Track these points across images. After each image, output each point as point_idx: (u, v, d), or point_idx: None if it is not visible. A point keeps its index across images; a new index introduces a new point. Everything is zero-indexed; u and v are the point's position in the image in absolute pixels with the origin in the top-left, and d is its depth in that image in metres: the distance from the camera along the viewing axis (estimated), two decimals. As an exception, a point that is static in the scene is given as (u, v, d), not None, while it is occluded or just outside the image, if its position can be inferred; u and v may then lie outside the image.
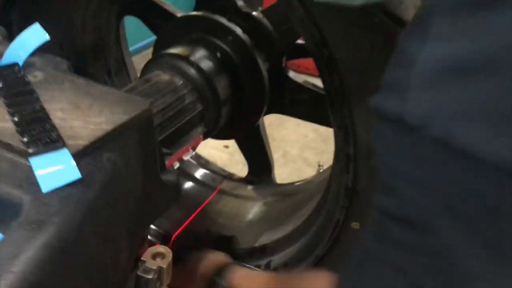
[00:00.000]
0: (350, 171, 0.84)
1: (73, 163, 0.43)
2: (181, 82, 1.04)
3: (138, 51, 2.26)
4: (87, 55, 1.34)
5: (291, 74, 1.17)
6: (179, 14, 1.23)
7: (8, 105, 0.49)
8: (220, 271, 0.92)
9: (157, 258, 0.52)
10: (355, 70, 0.76)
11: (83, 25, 1.30)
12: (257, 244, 1.17)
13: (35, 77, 0.56)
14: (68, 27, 1.27)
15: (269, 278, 0.86)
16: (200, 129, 1.06)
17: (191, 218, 1.33)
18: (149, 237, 1.26)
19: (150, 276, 0.50)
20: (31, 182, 0.42)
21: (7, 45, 0.65)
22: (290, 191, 1.37)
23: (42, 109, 0.49)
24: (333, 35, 0.75)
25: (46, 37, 0.64)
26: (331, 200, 0.93)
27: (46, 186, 0.42)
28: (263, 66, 1.12)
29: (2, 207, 0.42)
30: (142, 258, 0.51)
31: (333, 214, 0.92)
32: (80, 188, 0.42)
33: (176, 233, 1.29)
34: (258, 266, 1.12)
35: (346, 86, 0.78)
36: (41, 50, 1.24)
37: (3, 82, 0.53)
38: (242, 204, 1.36)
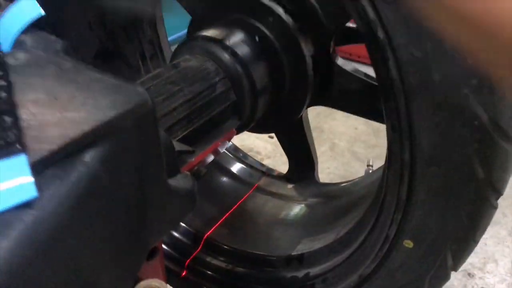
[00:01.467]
0: (405, 180, 0.70)
1: (30, 175, 0.32)
2: (213, 68, 0.93)
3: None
4: (118, 36, 1.25)
5: (340, 61, 1.03)
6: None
7: (-31, 94, 0.39)
8: None
9: (148, 295, 0.41)
10: (417, 57, 0.61)
11: (113, 2, 1.21)
12: (294, 252, 1.05)
13: (16, 59, 0.46)
14: (98, 4, 1.18)
15: None
16: (233, 123, 0.95)
17: (224, 217, 1.23)
18: (177, 235, 1.17)
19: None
20: (-29, 199, 0.31)
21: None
22: (334, 192, 1.23)
23: (8, 100, 0.38)
24: (391, 12, 0.60)
25: (39, 11, 0.53)
26: (380, 212, 0.78)
27: (-10, 206, 0.31)
28: (307, 52, 0.99)
29: None
30: (130, 295, 0.40)
31: (383, 228, 0.78)
32: (36, 212, 0.31)
33: (208, 233, 1.19)
34: (295, 278, 1.00)
35: (405, 77, 0.63)
36: (66, 28, 1.16)
37: (-26, 64, 0.43)
38: (281, 205, 1.24)
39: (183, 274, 1.14)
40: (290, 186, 1.30)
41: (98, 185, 0.37)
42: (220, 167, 1.33)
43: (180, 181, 0.55)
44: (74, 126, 0.37)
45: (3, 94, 0.38)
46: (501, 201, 2.35)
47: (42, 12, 0.55)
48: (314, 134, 2.41)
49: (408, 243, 0.75)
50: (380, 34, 0.62)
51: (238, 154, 1.41)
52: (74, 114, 0.38)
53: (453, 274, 2.27)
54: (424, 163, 0.68)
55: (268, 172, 1.35)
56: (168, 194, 0.51)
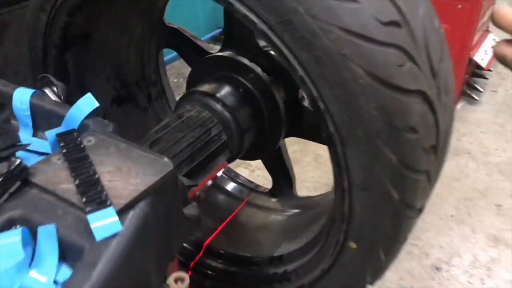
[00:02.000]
0: (346, 201, 1.00)
1: (117, 218, 0.61)
2: (208, 116, 1.22)
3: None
4: (130, 85, 1.54)
5: (306, 103, 1.33)
6: (210, 50, 1.41)
7: (71, 169, 0.68)
8: None
9: (178, 281, 0.70)
10: (346, 120, 0.91)
11: (127, 59, 1.50)
12: (276, 254, 1.34)
13: (89, 141, 0.75)
14: (114, 62, 1.47)
15: None
16: (224, 157, 1.24)
17: (220, 227, 1.52)
18: (184, 244, 1.46)
19: (172, 296, 0.68)
20: (89, 232, 0.60)
21: (66, 108, 0.84)
22: (308, 204, 1.53)
23: (95, 173, 0.68)
24: (327, 92, 0.90)
25: (96, 104, 0.82)
26: (333, 222, 1.08)
27: (98, 236, 0.60)
28: (280, 99, 1.29)
29: (69, 247, 0.61)
30: (166, 282, 0.69)
31: (335, 234, 1.08)
32: (120, 237, 0.61)
33: (208, 241, 1.48)
34: (275, 274, 1.29)
35: (339, 132, 0.93)
36: (89, 81, 1.43)
37: (66, 147, 0.72)
38: (266, 216, 1.53)
39: (189, 274, 1.43)
40: (273, 200, 1.59)
41: (148, 220, 0.66)
42: (216, 186, 1.63)
43: (191, 210, 0.84)
44: (134, 188, 0.66)
45: (93, 169, 0.68)
46: (467, 202, 2.77)
47: (97, 104, 0.84)
48: (300, 146, 2.80)
49: (353, 245, 1.05)
50: (321, 105, 0.92)
51: (231, 174, 1.71)
52: (133, 180, 0.68)
53: (422, 268, 2.65)
54: (357, 189, 0.97)
55: (255, 189, 1.65)
56: (183, 220, 0.80)
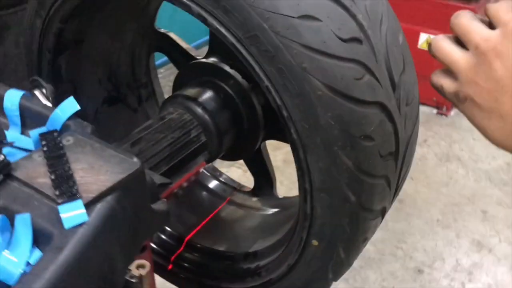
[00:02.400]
0: (308, 201, 1.08)
1: (84, 210, 0.70)
2: (189, 119, 1.31)
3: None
4: (121, 87, 1.63)
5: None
6: (197, 56, 1.49)
7: (48, 166, 0.77)
8: None
9: (139, 268, 0.78)
10: (306, 128, 1.00)
11: (118, 62, 1.60)
12: (251, 250, 1.43)
13: (68, 141, 0.84)
14: (106, 66, 1.56)
15: None
16: (203, 157, 1.33)
17: (202, 224, 1.60)
18: (165, 238, 1.55)
19: (134, 280, 0.76)
20: (59, 221, 0.69)
21: (50, 110, 0.93)
22: (286, 204, 1.61)
23: (69, 170, 0.76)
24: (289, 101, 0.99)
25: (77, 107, 0.91)
26: (297, 221, 1.17)
27: (67, 224, 0.69)
28: (258, 105, 1.37)
29: (41, 235, 0.70)
30: (129, 268, 0.78)
31: (299, 232, 1.16)
32: (87, 226, 0.70)
33: (189, 236, 1.57)
34: (248, 269, 1.38)
35: (301, 139, 1.02)
36: (81, 83, 1.51)
37: (46, 146, 0.81)
38: (246, 214, 1.62)
39: (169, 267, 1.52)
40: (254, 199, 1.68)
41: (114, 213, 0.75)
42: (200, 183, 1.71)
43: (160, 205, 0.93)
44: (102, 184, 0.75)
45: (68, 166, 0.77)
46: (453, 208, 2.90)
47: (78, 107, 0.93)
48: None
49: (315, 242, 1.14)
50: (285, 113, 1.00)
51: (216, 173, 1.79)
52: (102, 177, 0.77)
53: (405, 270, 2.77)
54: (317, 191, 1.06)
55: (238, 188, 1.74)
56: (151, 214, 0.89)
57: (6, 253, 0.66)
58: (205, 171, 1.74)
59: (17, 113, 0.96)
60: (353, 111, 0.98)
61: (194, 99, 1.33)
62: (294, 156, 1.08)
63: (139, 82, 1.67)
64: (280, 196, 1.69)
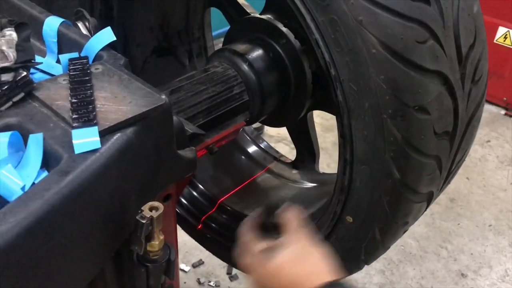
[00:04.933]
0: (346, 173, 0.99)
1: (98, 137, 0.65)
2: (233, 74, 1.24)
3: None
4: (173, 38, 1.59)
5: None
6: (252, 13, 1.42)
7: (71, 89, 0.73)
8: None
9: (152, 210, 0.73)
10: (354, 90, 0.90)
11: (172, 12, 1.55)
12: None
13: (96, 69, 0.80)
14: (159, 13, 1.52)
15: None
16: (243, 117, 1.26)
17: (237, 189, 1.55)
18: (196, 195, 1.51)
19: (144, 221, 0.71)
20: (70, 145, 0.65)
21: (86, 38, 0.89)
22: (327, 180, 1.52)
23: (91, 96, 0.72)
24: (338, 58, 0.90)
25: (113, 37, 0.87)
26: (333, 194, 1.08)
27: (78, 149, 0.64)
28: (308, 69, 1.28)
29: (52, 157, 0.66)
30: (141, 208, 0.73)
31: (333, 206, 1.08)
32: (99, 154, 0.65)
33: (222, 199, 1.52)
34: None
35: (347, 102, 0.93)
36: (132, 29, 1.48)
37: (73, 71, 0.77)
38: (283, 184, 1.55)
39: (199, 227, 1.47)
40: (294, 171, 1.60)
41: (131, 147, 0.69)
42: (240, 148, 1.65)
43: (187, 153, 0.87)
44: (123, 114, 0.70)
45: (90, 92, 0.72)
46: (509, 214, 2.69)
47: (114, 38, 0.88)
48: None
49: (349, 219, 1.05)
50: (333, 71, 0.91)
51: (258, 140, 1.72)
52: (124, 107, 0.71)
53: (446, 272, 2.60)
54: (359, 162, 0.97)
55: (279, 158, 1.66)
56: (176, 159, 0.84)
57: (9, 169, 0.62)
58: (246, 136, 1.68)
59: (55, 39, 0.93)
60: (409, 77, 0.88)
61: (241, 55, 1.26)
62: (337, 122, 0.99)
63: (191, 36, 1.62)
64: (321, 172, 1.60)
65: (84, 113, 0.68)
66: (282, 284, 0.78)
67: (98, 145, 0.66)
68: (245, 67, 1.25)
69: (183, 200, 1.48)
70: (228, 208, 1.44)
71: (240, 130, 1.38)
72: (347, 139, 0.96)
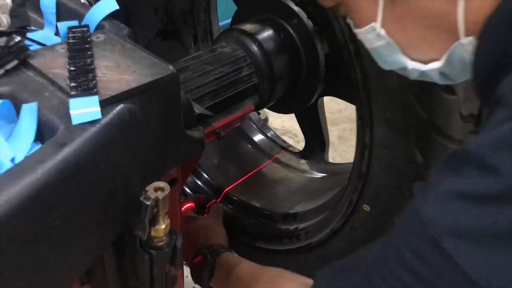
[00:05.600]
0: (365, 157, 0.93)
1: (98, 108, 0.58)
2: (242, 55, 1.17)
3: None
4: (178, 21, 1.52)
5: (350, 61, 1.25)
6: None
7: (69, 57, 0.66)
8: (214, 248, 1.07)
9: (158, 191, 0.67)
10: (376, 68, 0.83)
11: (177, -8, 1.48)
12: (291, 211, 1.29)
13: (98, 38, 0.73)
14: (164, -6, 1.45)
15: (252, 269, 0.94)
16: (252, 100, 1.19)
17: (243, 179, 1.48)
18: (200, 184, 1.44)
19: (148, 203, 0.64)
20: (67, 115, 0.58)
21: (87, 8, 0.82)
22: (337, 170, 1.45)
23: (92, 64, 0.65)
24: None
25: (116, 6, 0.80)
26: (349, 180, 1.01)
27: (76, 120, 0.57)
28: (321, 51, 1.21)
29: (47, 128, 0.59)
30: (146, 189, 0.66)
31: (349, 193, 1.01)
32: (99, 126, 0.58)
33: (227, 189, 1.45)
34: (287, 230, 1.24)
35: (368, 79, 0.86)
36: (136, 11, 1.42)
37: (72, 39, 0.70)
38: (290, 175, 1.48)
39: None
40: (302, 161, 1.53)
41: (136, 120, 0.63)
42: (246, 136, 1.58)
43: (194, 132, 0.81)
44: (126, 84, 0.63)
45: (91, 60, 0.65)
46: None
47: (117, 7, 0.81)
48: (351, 125, 2.66)
49: (366, 207, 0.98)
50: (351, 46, 0.84)
51: (266, 129, 1.66)
52: (127, 76, 0.64)
53: None
54: (378, 146, 0.90)
55: (286, 148, 1.59)
56: (182, 138, 0.77)
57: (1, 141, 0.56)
58: (252, 124, 1.61)
59: (54, 10, 0.85)
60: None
61: (251, 35, 1.19)
62: (356, 102, 0.92)
63: (197, 19, 1.55)
64: (330, 162, 1.54)
65: (84, 82, 0.62)
66: (191, 239, 1.09)
67: (99, 116, 0.59)
68: (254, 47, 1.18)
69: (187, 189, 1.41)
70: (234, 198, 1.37)
71: (247, 116, 1.31)
72: (367, 121, 0.89)
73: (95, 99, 0.60)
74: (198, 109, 0.94)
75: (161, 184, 0.66)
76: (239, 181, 1.46)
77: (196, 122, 0.84)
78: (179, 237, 0.72)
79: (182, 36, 1.55)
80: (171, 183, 0.83)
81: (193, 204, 1.29)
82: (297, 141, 2.80)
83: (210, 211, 1.28)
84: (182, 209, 1.25)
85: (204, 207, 1.34)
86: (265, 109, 1.40)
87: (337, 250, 1.08)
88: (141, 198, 0.65)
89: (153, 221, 0.67)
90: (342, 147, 2.96)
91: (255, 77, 1.18)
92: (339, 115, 3.10)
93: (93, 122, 0.59)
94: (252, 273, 0.91)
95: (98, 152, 0.58)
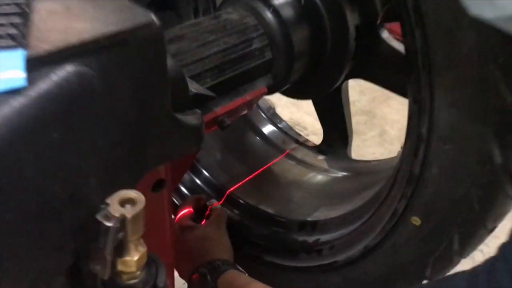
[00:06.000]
0: (419, 154, 0.69)
1: (22, 69, 0.35)
2: (253, 24, 0.94)
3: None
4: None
5: (385, 35, 1.01)
6: None
7: (-5, -3, 0.43)
8: (215, 265, 0.90)
9: (126, 204, 0.43)
10: (445, 31, 0.59)
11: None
12: (309, 218, 1.06)
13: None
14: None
15: None
16: (265, 81, 0.96)
17: (250, 177, 1.25)
18: (200, 183, 1.22)
19: (109, 224, 0.41)
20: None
21: None
22: (364, 169, 1.22)
23: (26, 7, 0.41)
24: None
25: None
26: (393, 185, 0.78)
27: (-16, 88, 0.34)
28: (351, 22, 0.97)
29: None
30: (106, 201, 0.42)
31: (392, 202, 0.77)
32: (24, 100, 0.34)
33: (232, 189, 1.22)
34: (305, 242, 1.01)
35: (431, 48, 0.62)
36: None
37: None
38: (307, 173, 1.25)
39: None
40: (320, 157, 1.30)
41: (90, 88, 0.39)
42: (254, 127, 1.35)
43: (189, 117, 0.57)
44: (76, 35, 0.40)
45: (26, 2, 0.42)
46: None
47: None
48: (366, 118, 2.37)
49: (416, 220, 0.74)
50: (410, 1, 0.60)
51: (276, 120, 1.42)
52: (80, 25, 0.41)
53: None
54: (440, 140, 0.66)
55: (301, 141, 1.36)
56: (171, 124, 0.53)
57: None
58: (261, 113, 1.37)
59: None
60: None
61: (264, -1, 0.95)
62: (410, 80, 0.68)
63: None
64: (354, 159, 1.30)
65: (6, 28, 0.38)
66: (186, 253, 0.95)
67: (23, 83, 0.35)
68: (268, 15, 0.94)
69: (183, 189, 1.18)
70: (240, 201, 1.14)
71: (257, 101, 1.08)
72: (425, 105, 0.65)
73: (18, 56, 0.36)
74: (195, 88, 0.70)
75: (130, 194, 0.42)
76: (245, 180, 1.23)
77: (192, 104, 0.61)
78: (161, 270, 0.48)
79: (180, 7, 1.31)
80: (156, 186, 0.60)
81: (191, 210, 1.06)
82: (307, 134, 2.57)
83: (211, 216, 1.06)
84: (177, 217, 1.03)
85: (205, 210, 1.12)
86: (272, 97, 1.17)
87: (371, 273, 0.85)
88: (98, 216, 0.41)
89: (120, 250, 0.44)
90: (356, 142, 2.72)
91: (269, 52, 0.94)
92: (352, 107, 2.87)
93: (13, 93, 0.35)
94: None
95: (19, 143, 0.34)
